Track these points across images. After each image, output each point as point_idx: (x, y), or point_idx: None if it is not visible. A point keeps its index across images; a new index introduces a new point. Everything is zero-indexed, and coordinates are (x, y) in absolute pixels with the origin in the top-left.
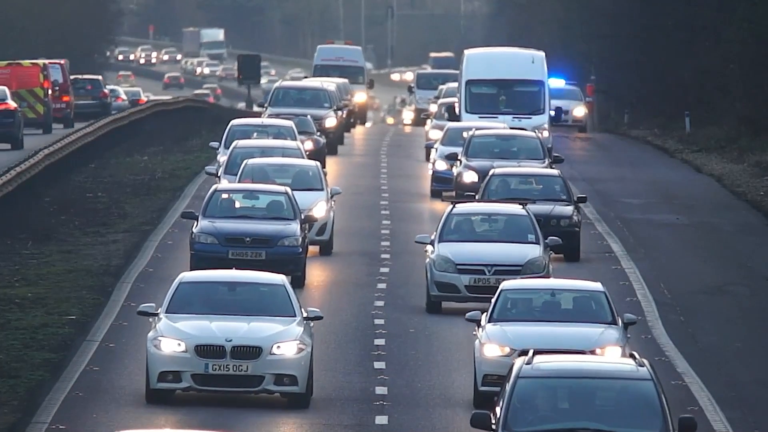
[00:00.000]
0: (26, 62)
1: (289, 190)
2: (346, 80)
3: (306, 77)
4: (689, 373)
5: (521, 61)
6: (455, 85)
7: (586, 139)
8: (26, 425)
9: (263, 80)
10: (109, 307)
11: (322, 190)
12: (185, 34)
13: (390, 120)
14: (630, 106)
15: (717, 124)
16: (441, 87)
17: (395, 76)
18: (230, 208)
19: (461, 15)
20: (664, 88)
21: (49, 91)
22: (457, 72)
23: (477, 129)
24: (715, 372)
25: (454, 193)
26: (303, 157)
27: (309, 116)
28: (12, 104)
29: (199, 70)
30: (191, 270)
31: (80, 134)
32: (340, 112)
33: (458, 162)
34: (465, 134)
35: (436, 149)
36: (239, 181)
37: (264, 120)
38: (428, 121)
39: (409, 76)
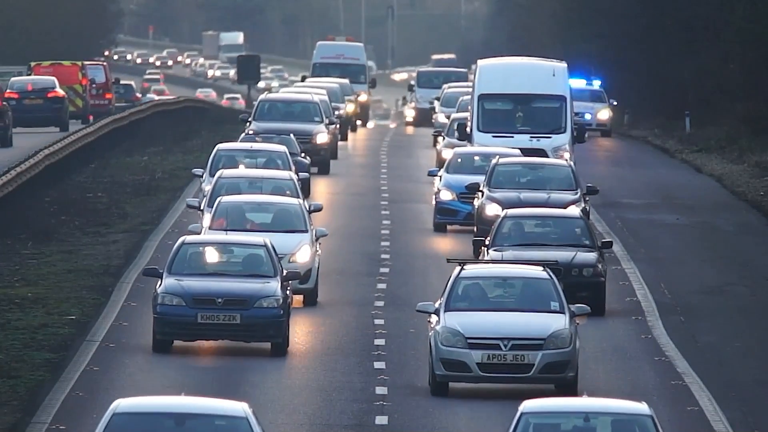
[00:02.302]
0: (66, 62)
1: (268, 242)
2: (346, 80)
3: (305, 76)
4: (689, 373)
5: (541, 74)
6: (459, 88)
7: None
8: (26, 425)
9: (274, 84)
10: (109, 307)
11: (305, 231)
12: (204, 38)
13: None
14: (630, 106)
15: (717, 124)
16: (444, 86)
17: (403, 75)
18: (200, 264)
19: (461, 15)
20: (664, 88)
21: (87, 88)
22: (459, 70)
23: (501, 156)
24: (715, 372)
25: (475, 228)
26: (296, 189)
27: (292, 135)
28: (60, 92)
29: (210, 72)
30: (154, 335)
31: (80, 134)
32: (332, 126)
33: (480, 193)
34: (476, 158)
35: (441, 177)
36: (212, 222)
37: (253, 144)
38: (439, 139)
39: None
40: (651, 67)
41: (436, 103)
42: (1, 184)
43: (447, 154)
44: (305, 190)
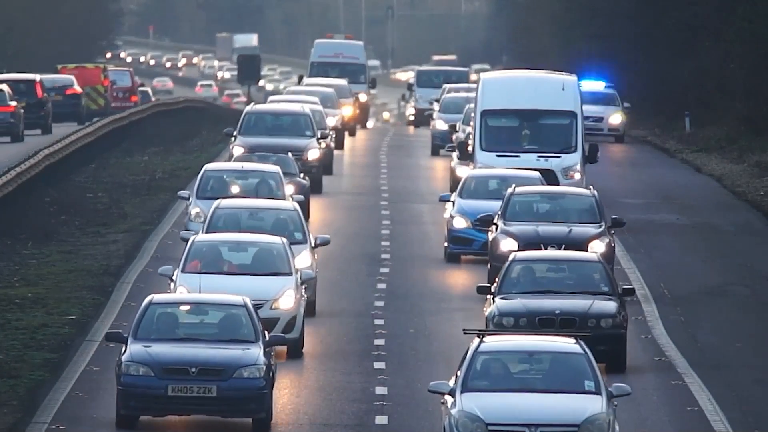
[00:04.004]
0: (90, 65)
1: (248, 301)
2: (344, 81)
3: (302, 76)
4: (689, 373)
5: (549, 88)
6: (459, 92)
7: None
8: (26, 425)
9: (281, 86)
10: (109, 307)
11: (289, 274)
12: (218, 40)
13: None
14: (630, 106)
15: (717, 124)
16: (444, 86)
17: (410, 74)
18: (170, 327)
19: (461, 15)
20: (664, 88)
21: (108, 88)
22: (461, 69)
23: (517, 186)
24: (715, 372)
25: (488, 266)
26: (301, 221)
27: (290, 154)
28: (78, 89)
29: (220, 74)
30: (118, 410)
31: (80, 134)
32: (325, 140)
33: (494, 226)
34: (492, 182)
35: (453, 203)
36: (184, 265)
37: (245, 165)
38: (454, 156)
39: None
40: (651, 67)
41: (435, 107)
42: (1, 184)
43: (462, 172)
44: (304, 212)
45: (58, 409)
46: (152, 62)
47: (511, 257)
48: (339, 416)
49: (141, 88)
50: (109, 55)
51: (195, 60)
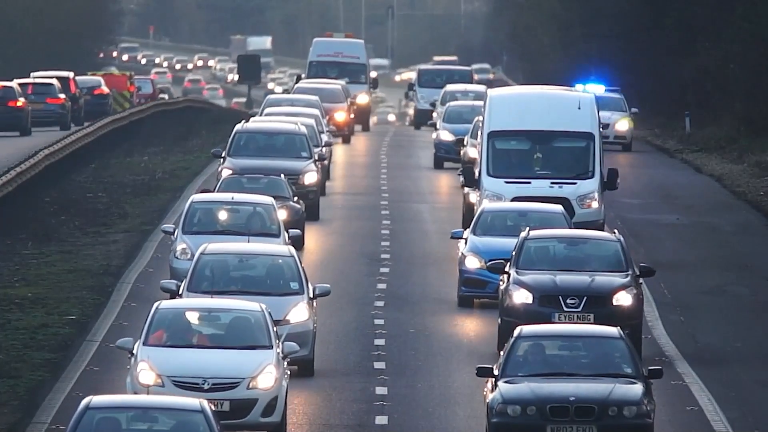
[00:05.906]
0: (117, 72)
1: (206, 405)
2: (339, 85)
3: (301, 76)
4: (689, 373)
5: (564, 107)
6: (463, 102)
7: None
8: (26, 425)
9: (282, 89)
10: (109, 307)
11: (269, 347)
12: (232, 42)
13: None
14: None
15: (717, 124)
16: (445, 88)
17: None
18: None
19: (461, 15)
20: (664, 88)
21: (134, 94)
22: (463, 69)
23: (531, 230)
24: (715, 372)
25: (498, 320)
26: (299, 269)
27: (282, 176)
28: (105, 89)
29: (230, 77)
30: None
31: (80, 134)
32: (323, 161)
33: (506, 275)
34: (510, 217)
35: (466, 240)
36: (147, 336)
37: (235, 195)
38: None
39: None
40: (651, 67)
41: (436, 116)
42: (1, 184)
43: (475, 199)
44: (299, 243)
45: (58, 409)
46: (165, 64)
47: (516, 332)
48: (339, 416)
49: (161, 95)
50: (126, 57)
51: (211, 62)
